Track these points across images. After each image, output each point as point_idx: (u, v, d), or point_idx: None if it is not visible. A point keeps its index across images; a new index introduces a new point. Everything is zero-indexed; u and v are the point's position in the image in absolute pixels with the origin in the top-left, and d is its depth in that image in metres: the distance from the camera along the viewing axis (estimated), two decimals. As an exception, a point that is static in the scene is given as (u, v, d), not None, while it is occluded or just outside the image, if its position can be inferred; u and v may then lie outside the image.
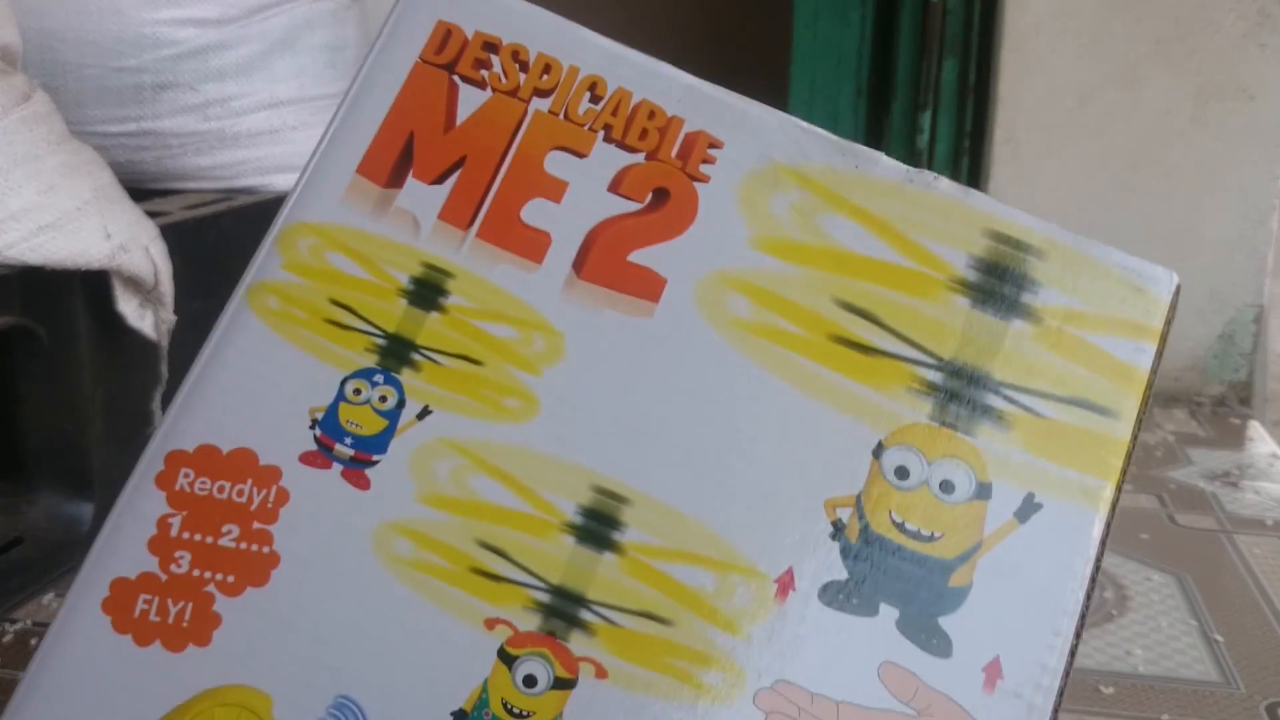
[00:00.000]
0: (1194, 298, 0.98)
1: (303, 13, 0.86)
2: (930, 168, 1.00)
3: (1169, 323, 0.27)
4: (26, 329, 0.62)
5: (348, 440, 0.25)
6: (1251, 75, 0.94)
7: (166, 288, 0.66)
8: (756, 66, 1.75)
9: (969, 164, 1.01)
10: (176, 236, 0.69)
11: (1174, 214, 0.97)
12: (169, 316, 0.67)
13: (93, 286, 0.63)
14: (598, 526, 0.24)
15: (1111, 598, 0.65)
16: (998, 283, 0.26)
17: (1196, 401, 0.99)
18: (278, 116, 0.85)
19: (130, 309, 0.64)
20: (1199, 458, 0.87)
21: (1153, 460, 0.86)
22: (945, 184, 0.28)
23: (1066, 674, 0.24)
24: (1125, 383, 0.25)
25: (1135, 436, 0.25)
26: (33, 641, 0.58)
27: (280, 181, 0.86)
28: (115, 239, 0.62)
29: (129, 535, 0.24)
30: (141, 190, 0.80)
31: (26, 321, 0.61)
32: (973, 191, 0.28)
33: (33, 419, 0.65)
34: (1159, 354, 0.26)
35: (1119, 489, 0.26)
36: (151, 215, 0.69)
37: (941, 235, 0.26)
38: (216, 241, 0.79)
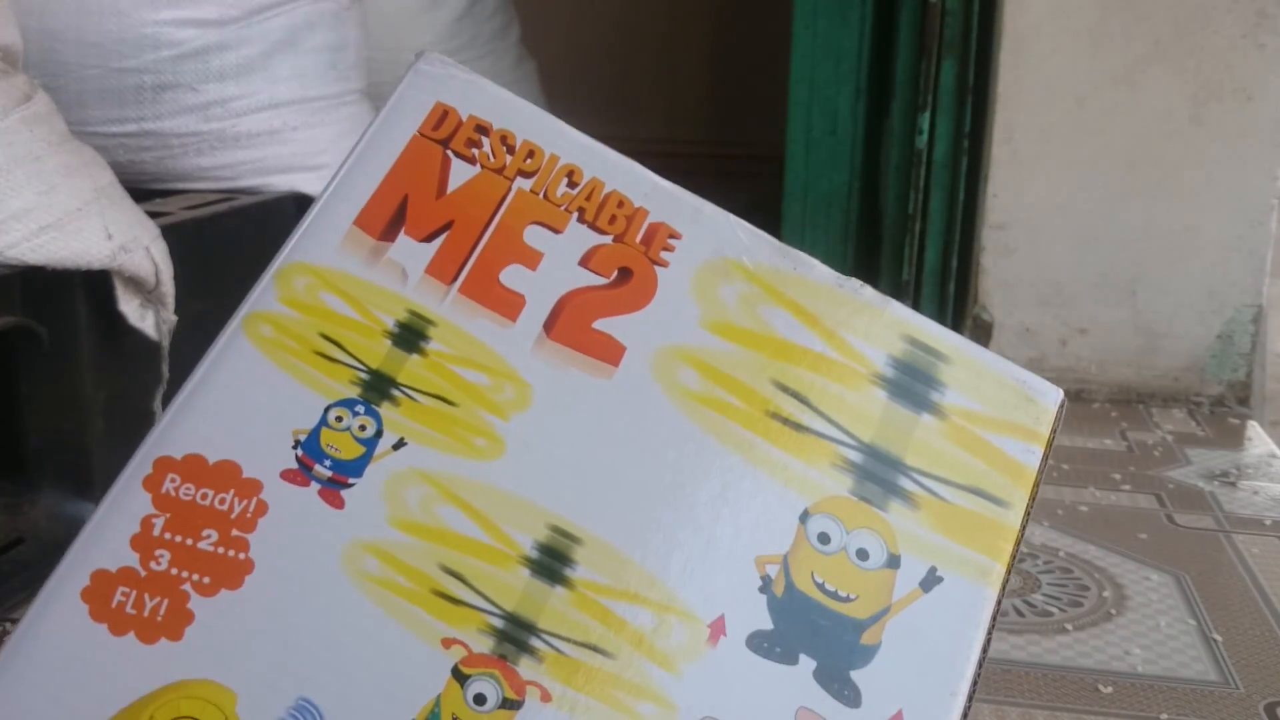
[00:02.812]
0: (1193, 298, 0.98)
1: (303, 13, 0.86)
2: (929, 168, 1.01)
3: (1054, 431, 0.31)
4: (28, 329, 0.62)
5: (327, 462, 0.27)
6: (1250, 75, 0.94)
7: (167, 288, 0.66)
8: (756, 66, 1.75)
9: (968, 164, 1.01)
10: (177, 237, 0.70)
11: (1172, 214, 0.97)
12: (170, 317, 0.67)
13: (94, 287, 0.63)
14: (551, 561, 0.27)
15: (1110, 597, 0.65)
16: (911, 380, 0.30)
17: (1195, 401, 1.00)
18: (278, 117, 0.85)
19: (131, 309, 0.65)
20: (1197, 457, 0.87)
21: (1151, 460, 0.87)
22: (869, 291, 0.32)
23: None
24: (1016, 478, 0.29)
25: (1024, 526, 0.29)
26: (34, 641, 0.58)
27: (280, 182, 0.86)
28: (116, 239, 0.62)
29: (113, 530, 0.26)
30: (142, 191, 0.80)
31: (28, 321, 0.62)
32: (891, 300, 0.31)
33: (34, 419, 0.66)
34: (1045, 457, 0.30)
35: (1009, 570, 0.29)
36: (152, 215, 0.69)
37: (865, 334, 0.30)
38: (217, 242, 0.79)
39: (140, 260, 0.64)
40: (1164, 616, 0.63)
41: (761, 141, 1.64)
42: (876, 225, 1.09)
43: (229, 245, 0.80)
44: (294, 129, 0.86)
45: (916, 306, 1.05)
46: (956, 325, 1.04)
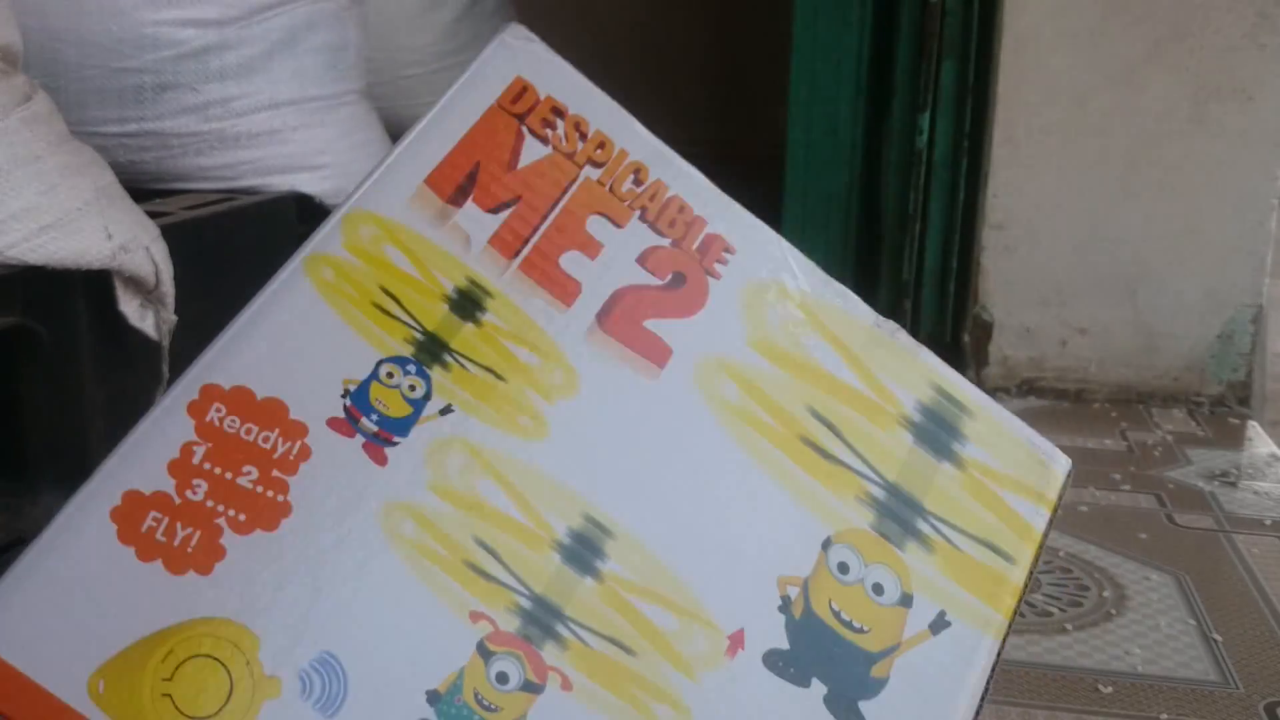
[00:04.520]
0: (1192, 298, 0.98)
1: (304, 13, 0.86)
2: (930, 168, 1.01)
3: (1061, 497, 0.32)
4: (28, 329, 0.62)
5: (374, 417, 0.27)
6: (1250, 75, 0.94)
7: (168, 288, 0.66)
8: (756, 66, 1.75)
9: (968, 164, 1.01)
10: (177, 237, 0.69)
11: (1173, 214, 0.97)
12: (170, 317, 0.67)
13: (94, 287, 0.63)
14: (583, 550, 0.27)
15: (1110, 597, 0.65)
16: (937, 429, 0.31)
17: (1195, 401, 1.00)
18: (278, 117, 0.85)
19: (131, 309, 0.65)
20: (1198, 457, 0.87)
21: (1152, 460, 0.87)
22: (904, 336, 0.33)
23: None
24: (1024, 537, 0.31)
25: (1027, 584, 0.30)
26: (34, 641, 0.58)
27: (280, 182, 0.86)
28: (116, 239, 0.62)
29: (151, 453, 0.25)
30: (142, 191, 0.80)
31: (28, 322, 0.61)
32: (922, 348, 0.33)
33: (34, 419, 0.66)
34: (1051, 521, 0.31)
35: (1010, 624, 0.30)
36: (152, 216, 0.69)
37: (897, 377, 0.31)
38: (217, 242, 0.79)
39: (140, 260, 0.64)
40: (1164, 616, 0.63)
41: (761, 141, 1.64)
42: (877, 225, 1.09)
43: (229, 245, 0.80)
44: (294, 129, 0.86)
45: (916, 306, 1.05)
46: (956, 325, 1.04)
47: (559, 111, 0.32)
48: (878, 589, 0.29)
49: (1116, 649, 0.59)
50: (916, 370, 0.32)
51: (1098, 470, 0.84)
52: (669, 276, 0.31)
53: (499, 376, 0.28)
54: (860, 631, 0.28)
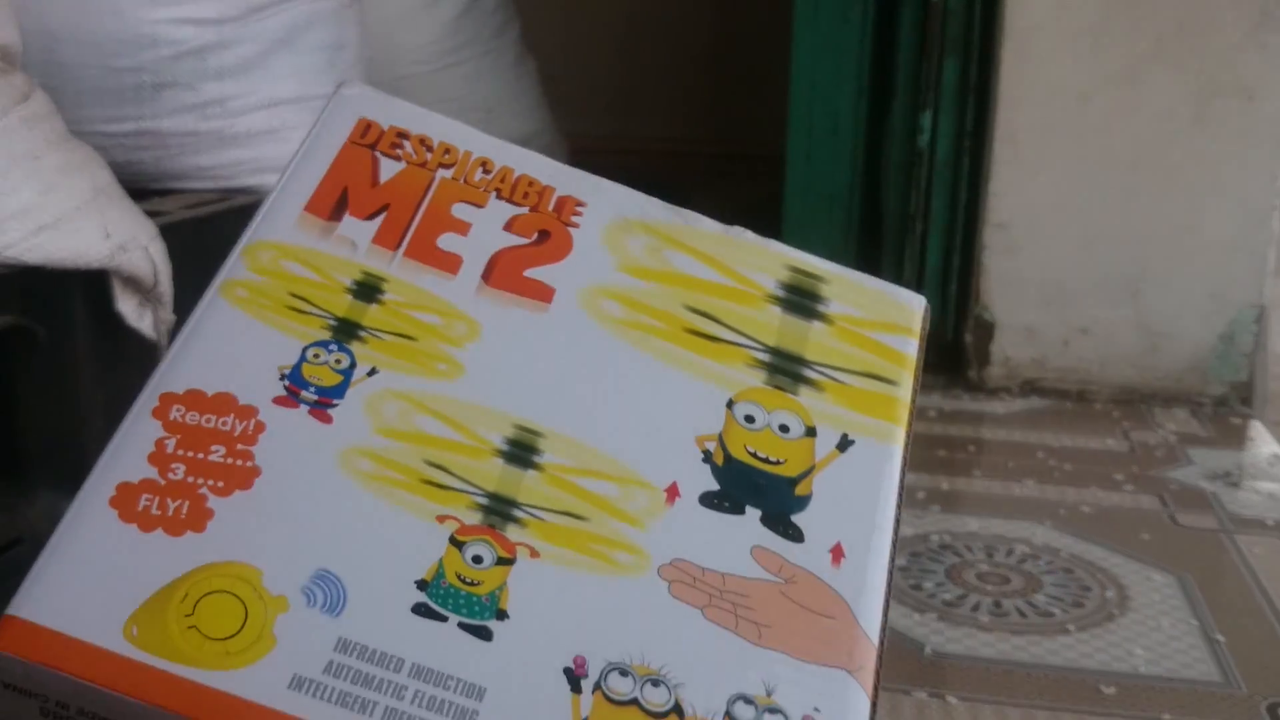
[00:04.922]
0: (1194, 298, 0.98)
1: (302, 12, 0.86)
2: (931, 167, 1.01)
3: (924, 330, 0.37)
4: (26, 329, 0.62)
5: (311, 389, 0.31)
6: (1252, 75, 0.93)
7: (166, 287, 0.66)
8: (756, 66, 1.75)
9: (969, 163, 1.01)
10: (176, 236, 0.69)
11: (1174, 214, 0.97)
12: (168, 316, 0.67)
13: (92, 286, 0.63)
14: (521, 452, 0.31)
15: (1113, 597, 0.65)
16: (799, 297, 0.36)
17: (1197, 401, 0.99)
18: (277, 116, 0.85)
19: (129, 309, 0.64)
20: (1200, 458, 0.87)
21: (1154, 460, 0.86)
22: (751, 234, 0.38)
23: (892, 558, 0.32)
24: (899, 363, 0.35)
25: (914, 400, 0.35)
26: (32, 642, 0.58)
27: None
28: (114, 239, 0.61)
29: (130, 451, 0.30)
30: (140, 190, 0.79)
31: (26, 321, 0.61)
32: (771, 240, 0.38)
33: (32, 419, 0.65)
34: (921, 349, 0.37)
35: (909, 433, 0.35)
36: (151, 215, 0.69)
37: (755, 267, 0.36)
38: (215, 241, 0.79)
39: (139, 260, 0.63)
40: (1166, 617, 0.63)
41: (762, 141, 1.64)
42: (878, 224, 1.09)
43: (227, 244, 0.80)
44: (293, 128, 0.86)
45: (918, 306, 1.05)
46: (958, 325, 1.04)
47: (404, 135, 0.37)
48: (784, 429, 0.33)
49: (1119, 649, 0.59)
50: (769, 258, 0.37)
51: (1100, 470, 0.84)
52: (535, 235, 0.35)
53: (409, 338, 0.32)
54: (778, 464, 0.33)
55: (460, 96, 1.20)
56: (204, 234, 0.77)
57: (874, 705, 0.29)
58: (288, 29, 0.85)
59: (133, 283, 0.64)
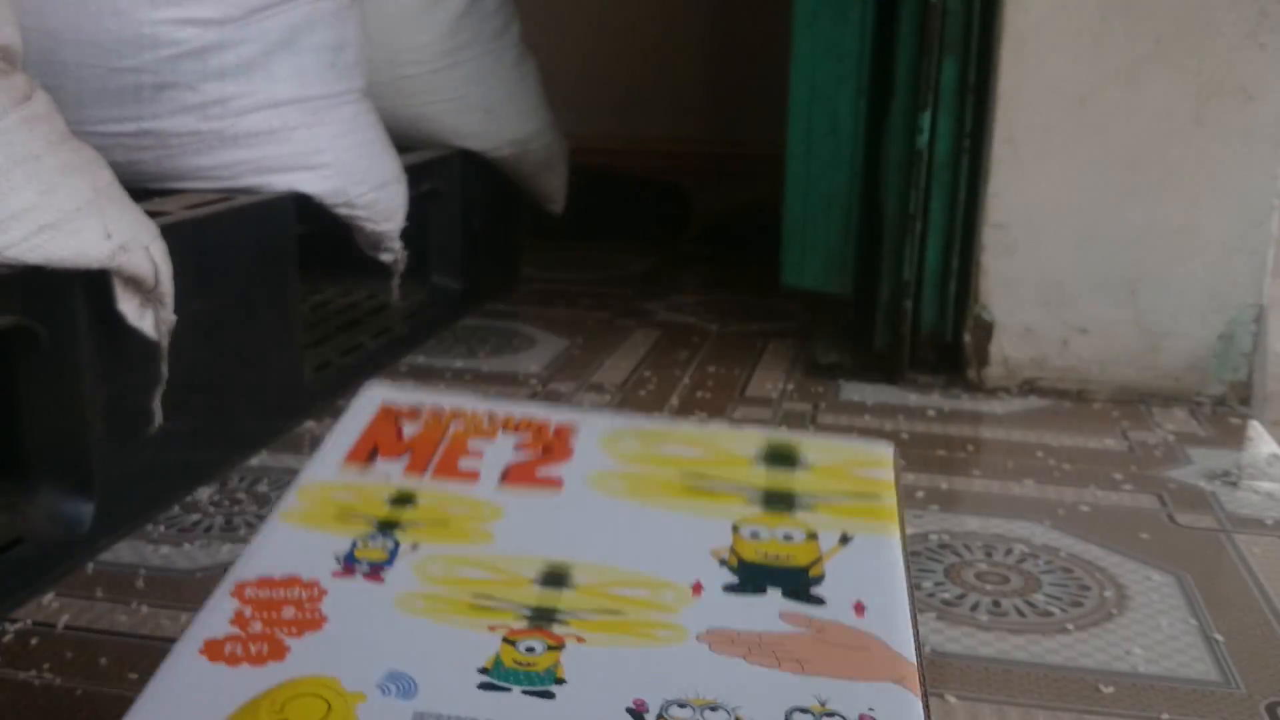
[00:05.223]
0: (1194, 298, 0.98)
1: (303, 12, 0.86)
2: (930, 167, 1.01)
3: (898, 471, 0.41)
4: (27, 329, 0.62)
5: (364, 564, 0.36)
6: (1251, 75, 0.94)
7: (167, 287, 0.66)
8: (756, 66, 1.75)
9: (969, 163, 1.01)
10: (176, 236, 0.69)
11: (1173, 214, 0.97)
12: (169, 316, 0.67)
13: (93, 286, 0.63)
14: (554, 579, 0.36)
15: (1111, 597, 0.65)
16: (780, 457, 0.42)
17: (1196, 401, 1.00)
18: (277, 116, 0.85)
19: (130, 309, 0.64)
20: (1199, 457, 0.87)
21: (1153, 460, 0.87)
22: (726, 425, 0.45)
23: (914, 615, 0.34)
24: (880, 486, 0.40)
25: (902, 513, 0.39)
26: (33, 641, 0.58)
27: (280, 181, 0.86)
28: (115, 239, 0.62)
29: (212, 620, 0.34)
30: (141, 190, 0.80)
31: (27, 321, 0.61)
32: (743, 424, 0.44)
33: (33, 419, 0.66)
34: (898, 480, 0.41)
35: (904, 533, 0.38)
36: (151, 215, 0.69)
37: (736, 444, 0.43)
38: (216, 241, 0.79)
39: (139, 260, 0.63)
40: (1165, 616, 0.63)
41: (761, 141, 1.64)
42: (877, 225, 1.09)
43: (228, 245, 0.80)
44: (293, 128, 0.86)
45: (917, 306, 1.05)
46: (957, 325, 1.04)
47: (420, 406, 0.45)
48: (787, 538, 0.37)
49: (1118, 649, 0.59)
50: (747, 437, 0.43)
51: (1099, 470, 0.84)
52: (540, 450, 0.42)
53: (443, 524, 0.38)
54: (788, 559, 0.37)
55: (460, 96, 1.20)
56: (204, 234, 0.77)
57: (926, 708, 0.31)
58: (289, 30, 0.86)
59: (134, 283, 0.64)
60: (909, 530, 0.73)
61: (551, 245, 1.62)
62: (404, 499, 0.39)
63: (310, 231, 0.91)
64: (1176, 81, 0.95)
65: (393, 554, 0.36)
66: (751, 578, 0.36)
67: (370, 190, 0.92)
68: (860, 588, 0.35)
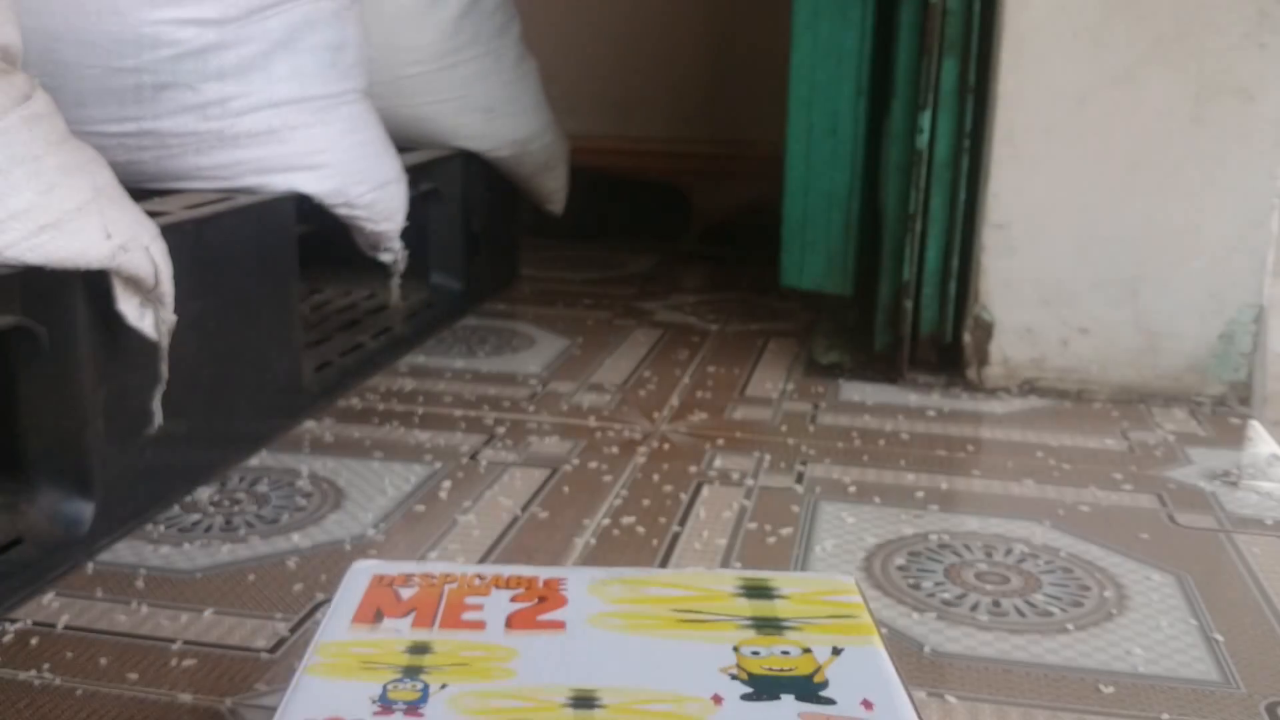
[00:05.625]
0: (1194, 298, 0.98)
1: (303, 12, 0.86)
2: (930, 167, 1.01)
3: (862, 594, 0.47)
4: (27, 329, 0.62)
5: (400, 705, 0.39)
6: (1251, 75, 0.94)
7: (167, 287, 0.66)
8: (756, 66, 1.75)
9: (969, 163, 1.01)
10: (176, 236, 0.69)
11: (1173, 214, 0.97)
12: (169, 316, 0.67)
13: (93, 286, 0.63)
14: (585, 701, 0.39)
15: (1111, 597, 0.65)
16: (757, 590, 0.47)
17: (1196, 401, 1.00)
18: (277, 116, 0.85)
19: (130, 309, 0.64)
20: (1199, 457, 0.87)
21: (1152, 460, 0.87)
22: (704, 569, 0.47)
23: (915, 704, 0.39)
24: (853, 608, 0.45)
25: (877, 627, 0.44)
26: (33, 641, 0.58)
27: (280, 181, 0.86)
28: (115, 239, 0.62)
29: None
30: (141, 190, 0.80)
31: (27, 322, 0.61)
32: (720, 568, 0.48)
33: (33, 419, 0.66)
34: (865, 604, 0.46)
35: (885, 641, 0.43)
36: (151, 215, 0.69)
37: (714, 582, 0.47)
38: (216, 241, 0.79)
39: (139, 260, 0.63)
40: (1165, 617, 0.63)
41: (761, 141, 1.64)
42: (877, 225, 1.09)
43: (228, 245, 0.80)
44: (293, 128, 0.86)
45: (917, 306, 1.05)
46: (957, 325, 1.04)
47: (410, 575, 0.48)
48: (785, 654, 0.42)
49: (1118, 649, 0.59)
50: (723, 576, 0.48)
51: (1099, 470, 0.84)
52: (535, 600, 0.46)
53: (464, 665, 0.41)
54: (791, 671, 0.41)
55: (460, 96, 1.20)
56: (204, 234, 0.77)
57: None
58: (288, 30, 0.86)
59: (134, 283, 0.64)
60: (909, 531, 0.74)
61: (551, 245, 1.62)
62: (420, 649, 0.42)
63: (310, 231, 0.91)
64: (1176, 81, 0.95)
65: (424, 693, 0.39)
66: (764, 687, 0.39)
67: (370, 190, 0.92)
68: (863, 688, 0.39)
